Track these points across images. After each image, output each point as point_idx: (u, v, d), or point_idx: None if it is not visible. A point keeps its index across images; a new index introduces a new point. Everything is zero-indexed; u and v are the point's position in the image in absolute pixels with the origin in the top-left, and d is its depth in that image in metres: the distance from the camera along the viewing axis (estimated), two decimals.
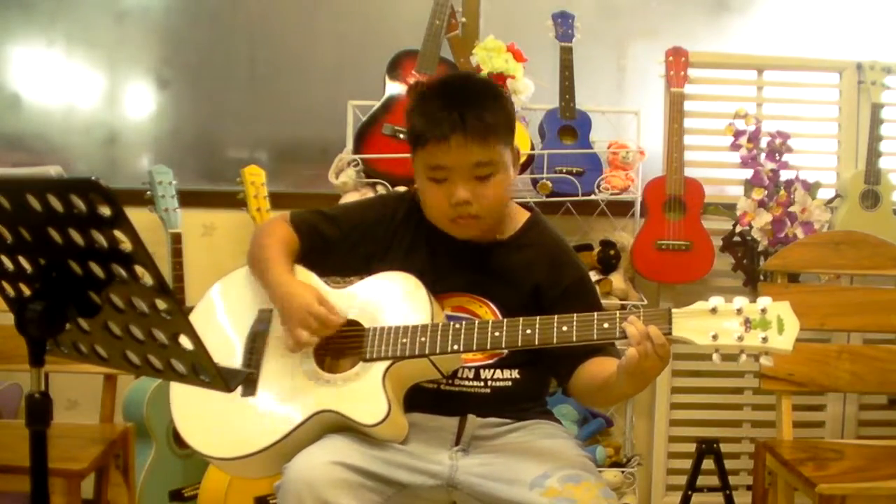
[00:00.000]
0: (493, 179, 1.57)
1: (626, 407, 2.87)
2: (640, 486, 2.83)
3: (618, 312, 1.43)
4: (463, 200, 1.55)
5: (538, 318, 1.47)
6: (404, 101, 1.70)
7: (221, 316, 1.67)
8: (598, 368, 1.54)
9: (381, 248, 1.69)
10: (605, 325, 1.42)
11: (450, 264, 1.66)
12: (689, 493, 2.66)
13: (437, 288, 1.62)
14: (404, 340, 1.51)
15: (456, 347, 1.49)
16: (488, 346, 1.49)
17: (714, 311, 1.37)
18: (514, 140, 1.65)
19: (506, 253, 1.67)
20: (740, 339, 1.35)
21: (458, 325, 1.50)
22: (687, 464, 2.73)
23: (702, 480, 2.66)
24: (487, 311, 1.64)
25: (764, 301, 1.36)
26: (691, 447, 2.73)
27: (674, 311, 1.40)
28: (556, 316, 1.46)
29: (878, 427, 2.95)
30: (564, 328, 1.44)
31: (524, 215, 1.73)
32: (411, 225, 1.70)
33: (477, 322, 1.51)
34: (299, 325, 1.53)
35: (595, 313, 1.44)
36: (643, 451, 2.92)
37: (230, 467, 1.62)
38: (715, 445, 2.64)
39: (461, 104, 1.55)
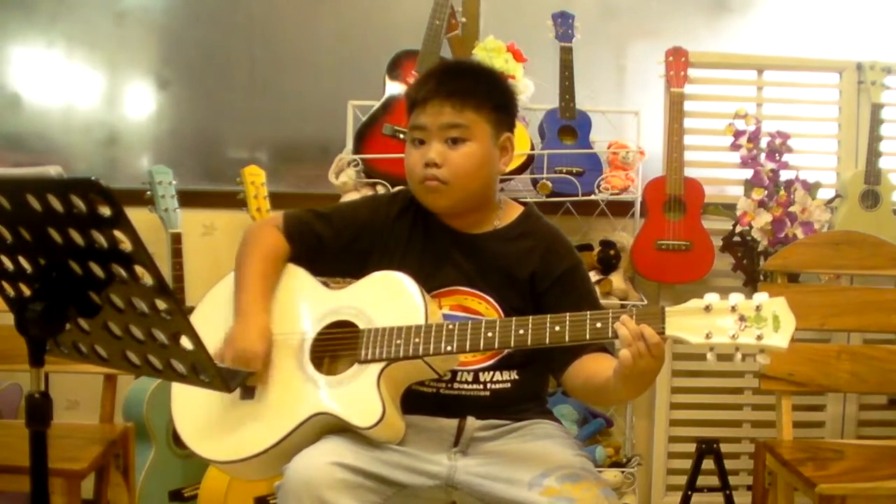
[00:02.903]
0: (465, 147, 1.61)
1: (626, 407, 2.87)
2: (640, 486, 2.83)
3: (610, 312, 1.42)
4: (431, 160, 1.60)
5: (531, 318, 1.47)
6: (405, 101, 1.71)
7: (220, 318, 1.66)
8: (596, 369, 1.53)
9: (377, 246, 1.69)
10: (598, 325, 1.42)
11: (446, 258, 1.66)
12: (689, 493, 2.66)
13: (435, 284, 1.63)
14: (398, 342, 1.51)
15: (449, 348, 1.49)
16: (481, 347, 1.49)
17: (708, 308, 1.35)
18: (507, 130, 1.68)
19: (502, 243, 1.67)
20: (734, 336, 1.32)
21: (451, 326, 1.50)
22: (687, 464, 2.73)
23: (702, 480, 2.66)
24: (487, 307, 1.64)
25: (759, 297, 1.33)
26: (691, 447, 2.73)
27: (667, 309, 1.38)
28: (548, 316, 1.45)
29: (878, 427, 2.95)
30: (557, 328, 1.44)
31: (518, 208, 1.74)
32: (407, 222, 1.70)
33: (470, 322, 1.51)
34: (233, 358, 1.52)
35: (588, 313, 1.43)
36: (643, 451, 2.92)
37: (229, 470, 1.62)
38: (715, 445, 2.64)
39: (451, 71, 1.69)
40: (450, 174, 1.60)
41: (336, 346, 1.58)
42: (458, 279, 1.65)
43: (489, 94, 1.64)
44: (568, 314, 1.44)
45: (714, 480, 2.65)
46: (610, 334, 1.40)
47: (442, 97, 1.60)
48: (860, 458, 2.06)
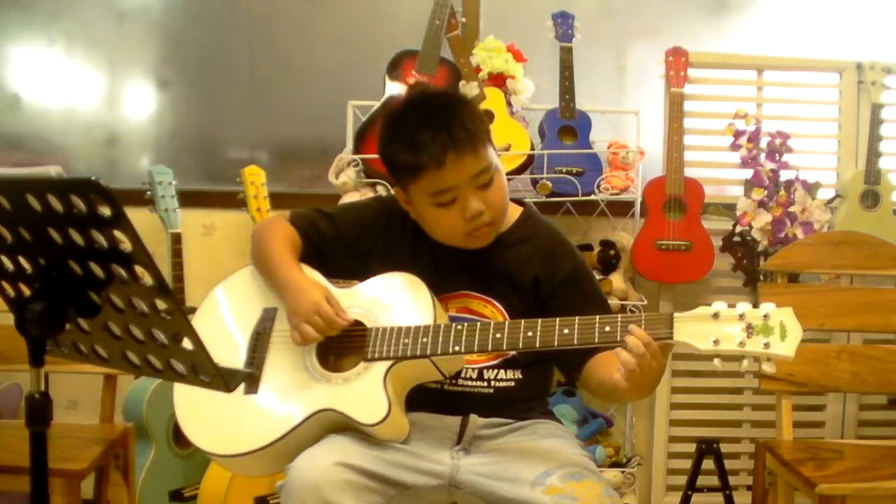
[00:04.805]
0: (495, 183, 1.58)
1: (626, 407, 2.87)
2: (640, 486, 2.83)
3: (619, 316, 1.43)
4: (478, 212, 1.55)
5: (540, 320, 1.47)
6: (397, 167, 1.65)
7: (226, 314, 1.67)
8: (609, 371, 1.52)
9: (380, 248, 1.70)
10: (607, 329, 1.42)
11: (451, 263, 1.66)
12: (689, 493, 2.66)
13: (440, 288, 1.63)
14: (406, 341, 1.51)
15: (457, 349, 1.49)
16: (489, 348, 1.50)
17: (716, 315, 1.37)
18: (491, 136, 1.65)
19: (504, 248, 1.67)
20: (742, 344, 1.35)
21: (459, 327, 1.50)
22: (687, 464, 2.73)
23: (702, 480, 2.66)
24: (493, 310, 1.65)
25: (767, 307, 1.36)
26: (691, 447, 2.73)
27: (675, 315, 1.39)
28: (557, 318, 1.46)
29: (878, 427, 2.96)
30: (566, 331, 1.44)
31: (517, 210, 1.73)
32: (410, 225, 1.69)
33: (479, 323, 1.51)
34: (306, 321, 1.53)
35: (597, 316, 1.44)
36: (643, 451, 2.92)
37: (231, 464, 1.63)
38: (715, 445, 2.64)
39: (439, 122, 1.53)
40: (494, 214, 1.59)
41: (342, 344, 1.59)
42: (462, 284, 1.66)
43: (482, 124, 1.60)
44: (577, 317, 1.45)
45: (714, 480, 2.65)
46: (619, 338, 1.41)
47: (458, 150, 1.51)
48: (860, 458, 2.06)
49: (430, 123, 1.53)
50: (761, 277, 2.63)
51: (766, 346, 1.34)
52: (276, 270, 1.63)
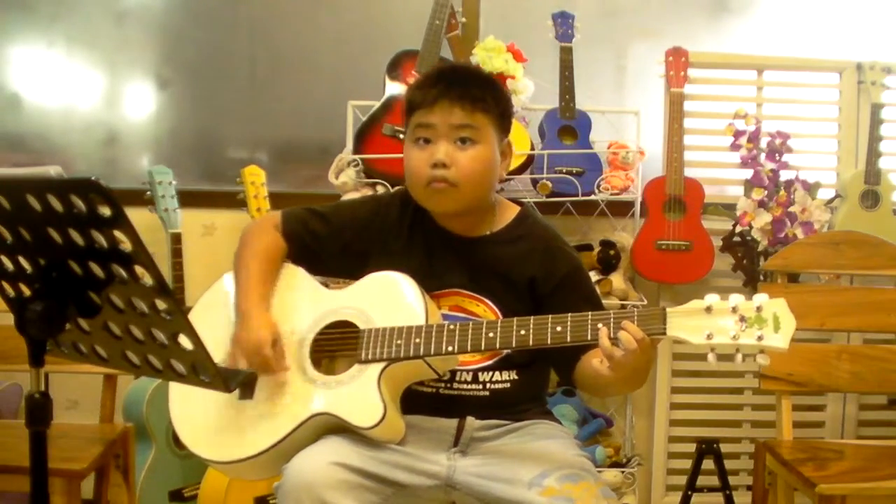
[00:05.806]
0: (474, 149, 1.59)
1: (626, 407, 2.87)
2: (640, 486, 2.83)
3: (612, 313, 1.42)
4: (440, 160, 1.56)
5: (532, 318, 1.47)
6: (404, 104, 1.70)
7: (219, 317, 1.66)
8: (600, 367, 1.53)
9: (376, 246, 1.69)
10: (600, 326, 1.42)
11: (445, 261, 1.66)
12: (689, 493, 2.66)
13: (433, 285, 1.62)
14: (399, 342, 1.51)
15: (451, 349, 1.49)
16: (483, 347, 1.49)
17: (709, 309, 1.36)
18: (508, 136, 1.67)
19: (499, 247, 1.67)
20: (735, 337, 1.34)
21: (452, 326, 1.50)
22: (687, 464, 2.74)
23: (702, 480, 2.66)
24: (485, 309, 1.64)
25: (759, 298, 1.35)
26: (691, 447, 2.73)
27: (668, 310, 1.39)
28: (549, 316, 1.45)
29: (878, 427, 2.96)
30: (559, 328, 1.44)
31: (514, 209, 1.73)
32: (406, 223, 1.69)
33: (471, 322, 1.51)
34: (244, 356, 1.54)
35: (589, 314, 1.44)
36: (643, 451, 2.92)
37: (228, 470, 1.62)
38: (715, 445, 2.64)
39: (452, 77, 1.62)
40: (459, 176, 1.57)
41: (335, 347, 1.58)
42: (456, 282, 1.65)
43: (496, 100, 1.63)
44: (570, 315, 1.44)
45: (714, 480, 2.65)
46: (612, 334, 1.40)
47: (453, 99, 1.57)
48: (860, 458, 2.06)
49: (445, 75, 1.63)
50: (761, 277, 2.63)
51: (760, 338, 1.33)
52: (240, 291, 1.62)
